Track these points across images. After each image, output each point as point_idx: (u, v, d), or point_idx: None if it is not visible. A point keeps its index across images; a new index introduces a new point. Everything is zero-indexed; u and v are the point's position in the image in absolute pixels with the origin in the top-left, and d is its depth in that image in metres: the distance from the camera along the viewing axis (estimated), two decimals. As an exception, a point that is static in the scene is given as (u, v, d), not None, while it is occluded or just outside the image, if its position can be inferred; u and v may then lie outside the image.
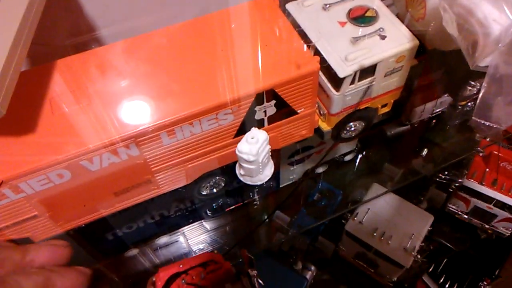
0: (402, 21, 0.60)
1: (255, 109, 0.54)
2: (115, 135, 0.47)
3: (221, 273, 0.31)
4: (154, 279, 0.31)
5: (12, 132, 0.46)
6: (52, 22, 0.62)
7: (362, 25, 0.59)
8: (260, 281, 0.32)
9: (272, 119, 0.57)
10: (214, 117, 0.51)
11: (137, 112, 0.49)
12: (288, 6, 0.63)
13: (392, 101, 0.68)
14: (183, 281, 0.30)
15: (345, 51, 0.56)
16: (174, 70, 0.52)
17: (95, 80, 0.52)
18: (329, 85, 0.59)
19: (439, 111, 0.82)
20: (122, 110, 0.49)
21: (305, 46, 0.55)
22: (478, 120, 0.38)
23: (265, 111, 0.55)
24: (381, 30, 0.58)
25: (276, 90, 0.52)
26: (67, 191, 0.48)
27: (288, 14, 0.62)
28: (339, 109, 0.61)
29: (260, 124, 0.56)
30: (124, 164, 0.49)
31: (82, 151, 0.45)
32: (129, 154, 0.49)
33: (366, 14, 0.60)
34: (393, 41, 0.57)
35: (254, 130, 0.47)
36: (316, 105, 0.61)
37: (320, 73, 0.57)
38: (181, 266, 0.33)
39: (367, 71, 0.57)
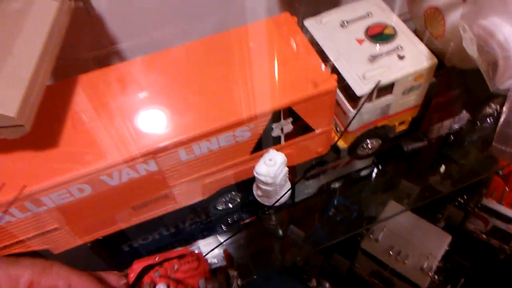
0: (420, 37, 0.60)
1: (272, 126, 0.54)
2: (135, 150, 0.47)
3: (196, 267, 0.30)
4: (127, 271, 0.31)
5: (34, 146, 0.47)
6: (73, 36, 0.64)
7: (380, 42, 0.59)
8: (239, 283, 0.32)
9: (289, 136, 0.57)
10: (232, 134, 0.52)
11: (156, 129, 0.50)
12: (306, 22, 0.63)
13: (410, 118, 0.67)
14: (157, 273, 0.30)
15: (363, 69, 0.56)
16: (193, 87, 0.53)
17: (116, 96, 0.53)
18: (346, 102, 0.59)
19: (457, 127, 0.81)
20: (141, 126, 0.50)
21: (322, 64, 0.55)
22: (499, 147, 0.38)
23: (282, 128, 0.55)
24: (400, 48, 0.58)
25: (293, 108, 0.53)
26: (87, 205, 0.49)
27: (306, 31, 0.63)
28: (356, 127, 0.61)
29: (276, 141, 0.57)
30: (143, 179, 0.50)
31: (102, 166, 0.46)
32: (148, 170, 0.50)
33: (384, 32, 0.60)
34: (411, 59, 0.57)
35: (272, 152, 0.47)
36: (333, 122, 0.61)
37: (337, 90, 0.57)
38: (157, 258, 0.33)
39: (385, 89, 0.57)
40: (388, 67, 0.56)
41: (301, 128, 0.57)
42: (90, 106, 0.51)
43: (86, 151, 0.47)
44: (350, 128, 0.61)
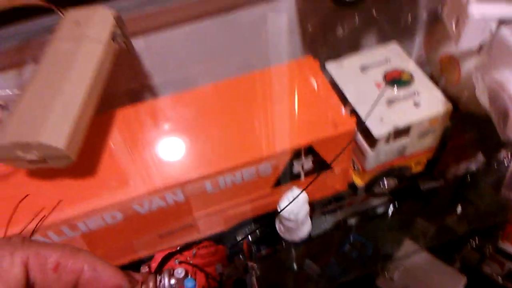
0: (436, 81, 0.63)
1: (293, 162, 0.57)
2: (165, 182, 0.51)
3: (214, 252, 0.32)
4: (150, 262, 0.32)
5: (75, 174, 0.51)
6: (113, 72, 0.69)
7: (398, 87, 0.62)
8: (256, 273, 0.32)
9: (308, 173, 0.60)
10: (255, 168, 0.55)
11: (185, 161, 0.53)
12: (328, 65, 0.67)
13: (426, 160, 0.69)
14: (176, 260, 0.31)
15: (381, 112, 0.59)
16: (220, 124, 0.57)
17: (149, 130, 0.57)
18: (364, 142, 0.62)
19: (474, 169, 0.82)
20: (172, 159, 0.54)
21: (342, 106, 0.59)
22: (508, 194, 0.40)
23: (302, 165, 0.58)
24: (416, 93, 0.61)
25: (313, 147, 0.56)
26: (117, 231, 0.52)
27: (327, 73, 0.67)
28: (373, 166, 0.64)
29: (297, 177, 0.60)
30: (170, 209, 0.53)
31: (135, 196, 0.49)
32: (175, 200, 0.53)
33: (402, 77, 0.64)
34: (427, 105, 0.60)
35: (295, 190, 0.50)
36: (351, 161, 0.64)
37: (356, 130, 0.60)
38: (178, 248, 0.34)
39: (402, 132, 0.60)
40: (404, 111, 0.59)
41: (321, 165, 0.59)
42: (125, 139, 0.56)
43: (121, 181, 0.50)
44: (368, 167, 0.64)
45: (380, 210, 0.88)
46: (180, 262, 0.30)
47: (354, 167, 0.67)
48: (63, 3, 0.58)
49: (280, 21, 0.73)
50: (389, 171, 0.66)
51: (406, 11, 0.70)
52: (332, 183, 0.64)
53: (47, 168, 0.47)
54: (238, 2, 0.70)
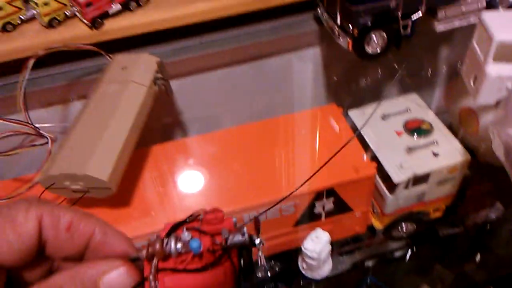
0: (455, 131, 0.66)
1: (315, 203, 0.60)
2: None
3: (221, 218, 0.30)
4: (159, 232, 0.30)
5: (113, 204, 0.55)
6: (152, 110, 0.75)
7: (418, 136, 0.65)
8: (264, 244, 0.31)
9: (329, 214, 0.62)
10: (279, 207, 0.58)
11: (213, 197, 0.57)
12: (351, 112, 0.71)
13: (445, 206, 0.71)
14: (184, 229, 0.29)
15: (400, 159, 0.62)
16: (247, 164, 0.61)
17: (180, 167, 0.61)
18: (384, 187, 0.64)
19: (493, 217, 0.83)
20: (198, 194, 0.58)
21: (363, 151, 0.62)
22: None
23: (323, 206, 0.61)
24: (435, 142, 0.64)
25: (335, 189, 0.59)
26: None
27: (349, 120, 0.70)
28: (392, 210, 0.66)
29: (318, 217, 0.62)
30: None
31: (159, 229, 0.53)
32: (202, 234, 0.56)
33: (422, 127, 0.67)
34: (446, 153, 0.63)
35: (319, 230, 0.53)
36: (371, 204, 0.66)
37: (376, 175, 0.63)
38: (186, 218, 0.30)
39: (421, 179, 0.62)
40: (424, 159, 0.62)
41: (341, 207, 0.62)
42: (154, 174, 0.60)
43: (146, 214, 0.54)
44: (387, 211, 0.66)
45: (398, 254, 0.88)
46: (187, 229, 0.29)
47: (373, 210, 0.69)
48: (111, 48, 0.64)
49: (306, 69, 0.78)
50: (408, 216, 0.68)
51: (426, 65, 0.74)
52: (351, 224, 0.66)
53: (87, 197, 0.51)
54: (266, 50, 0.75)
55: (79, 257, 0.27)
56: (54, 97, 0.68)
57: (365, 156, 0.61)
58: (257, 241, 0.30)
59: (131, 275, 0.26)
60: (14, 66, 0.62)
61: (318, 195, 0.59)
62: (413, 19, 0.59)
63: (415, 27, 0.61)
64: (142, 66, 0.59)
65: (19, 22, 0.63)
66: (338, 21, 0.61)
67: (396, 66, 0.67)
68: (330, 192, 0.59)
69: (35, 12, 0.62)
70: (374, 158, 0.63)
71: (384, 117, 0.69)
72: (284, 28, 0.72)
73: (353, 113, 0.70)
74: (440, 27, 0.62)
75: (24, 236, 0.24)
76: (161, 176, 0.60)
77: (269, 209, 0.35)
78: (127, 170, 0.58)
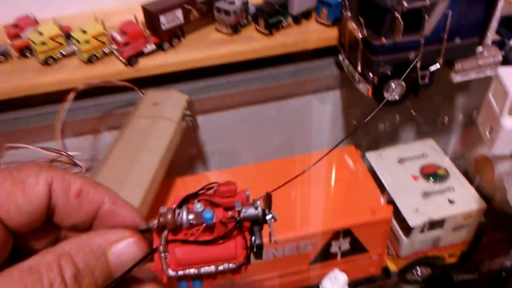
0: (471, 177, 0.67)
1: (331, 243, 0.61)
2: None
3: (234, 190, 0.29)
4: (170, 205, 0.28)
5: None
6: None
7: (433, 181, 0.67)
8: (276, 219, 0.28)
9: (344, 254, 0.64)
10: (296, 245, 0.60)
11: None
12: (368, 155, 0.73)
13: (460, 252, 0.72)
14: (196, 201, 0.27)
15: (416, 203, 0.64)
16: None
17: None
18: (399, 230, 0.65)
19: (508, 265, 0.83)
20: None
21: (380, 194, 0.63)
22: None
23: (339, 246, 0.62)
24: (451, 189, 0.65)
25: (351, 230, 0.60)
26: None
27: (367, 161, 0.72)
28: (407, 253, 0.67)
29: (334, 256, 0.63)
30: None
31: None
32: (221, 267, 0.58)
33: (438, 172, 0.68)
34: (461, 200, 0.64)
35: (336, 271, 0.54)
36: (386, 246, 0.67)
37: (393, 218, 0.65)
38: (198, 190, 0.29)
39: (436, 224, 0.63)
40: (439, 204, 0.63)
41: (357, 248, 0.63)
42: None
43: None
44: (402, 254, 0.67)
45: (411, 297, 0.88)
46: (199, 201, 0.27)
47: (388, 252, 0.70)
48: (142, 83, 0.68)
49: (326, 111, 0.81)
50: (423, 260, 0.69)
51: (443, 111, 0.77)
52: (366, 265, 0.67)
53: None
54: (288, 92, 0.79)
55: (87, 227, 0.26)
56: (86, 128, 0.71)
57: (381, 199, 0.63)
58: (269, 216, 0.28)
59: (141, 246, 0.25)
60: (50, 97, 0.66)
61: (335, 235, 0.60)
62: (431, 70, 0.62)
63: (433, 76, 0.64)
64: (172, 103, 0.63)
65: (60, 56, 0.68)
66: (359, 68, 0.64)
67: (413, 112, 0.70)
68: (347, 233, 0.60)
69: (75, 48, 0.66)
70: (391, 200, 0.65)
71: (401, 161, 0.71)
72: (305, 71, 0.76)
73: (371, 156, 0.73)
74: (457, 78, 0.65)
75: (34, 199, 0.23)
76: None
77: (281, 186, 0.32)
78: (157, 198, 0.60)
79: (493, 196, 0.66)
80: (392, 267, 0.69)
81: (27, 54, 0.68)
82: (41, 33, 0.64)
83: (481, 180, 0.69)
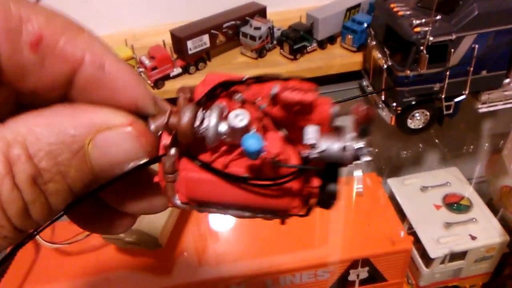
0: (496, 207, 0.66)
1: (350, 271, 0.61)
2: (231, 275, 0.57)
3: (311, 99, 0.17)
4: (196, 86, 0.18)
5: (151, 256, 0.59)
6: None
7: (456, 212, 0.66)
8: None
9: (363, 282, 0.64)
10: (314, 272, 0.60)
11: (248, 257, 0.60)
12: (390, 181, 0.73)
13: (481, 283, 0.70)
14: (239, 96, 0.17)
15: (438, 234, 0.63)
16: (287, 231, 0.63)
17: (219, 226, 0.65)
18: (420, 260, 0.65)
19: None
20: (236, 252, 0.61)
21: (401, 223, 0.63)
22: None
23: (358, 275, 0.62)
24: (474, 220, 0.64)
25: (370, 259, 0.60)
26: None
27: (388, 188, 0.72)
28: (427, 283, 0.66)
29: (351, 285, 0.63)
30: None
31: (191, 282, 0.56)
32: (239, 292, 0.59)
33: (461, 202, 0.67)
34: (484, 232, 0.63)
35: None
36: (406, 275, 0.66)
37: (413, 247, 0.64)
38: (244, 78, 0.17)
39: (458, 256, 0.63)
40: (462, 236, 0.62)
41: (376, 277, 0.63)
42: (194, 231, 0.64)
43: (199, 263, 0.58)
44: (422, 284, 0.66)
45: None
46: (243, 102, 0.17)
47: (408, 282, 0.69)
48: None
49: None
50: (443, 290, 0.68)
51: (467, 140, 0.76)
52: (385, 294, 0.66)
53: (136, 249, 0.55)
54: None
55: (58, 99, 0.17)
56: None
57: (402, 229, 0.62)
58: (364, 153, 0.16)
59: (141, 144, 0.16)
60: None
61: (354, 264, 0.60)
62: (456, 101, 0.62)
63: (459, 106, 0.64)
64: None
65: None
66: (382, 96, 0.64)
67: (437, 141, 0.69)
68: (366, 262, 0.60)
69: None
70: (412, 229, 0.65)
71: (423, 189, 0.70)
72: (329, 95, 0.76)
73: (393, 182, 0.72)
74: (483, 109, 0.64)
75: None
76: (200, 234, 0.64)
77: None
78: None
79: (518, 229, 0.65)
80: (411, 296, 0.69)
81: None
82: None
83: (505, 210, 0.68)
